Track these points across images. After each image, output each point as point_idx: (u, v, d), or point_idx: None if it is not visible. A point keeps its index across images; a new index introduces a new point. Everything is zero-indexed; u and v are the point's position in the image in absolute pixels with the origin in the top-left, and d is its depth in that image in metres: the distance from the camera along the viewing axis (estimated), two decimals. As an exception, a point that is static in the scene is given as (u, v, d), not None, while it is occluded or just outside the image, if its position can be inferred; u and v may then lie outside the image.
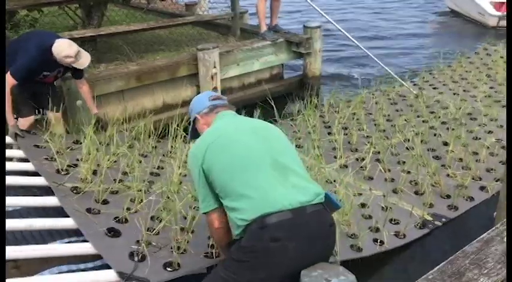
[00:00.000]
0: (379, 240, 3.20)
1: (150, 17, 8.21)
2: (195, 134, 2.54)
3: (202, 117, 2.44)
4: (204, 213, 2.30)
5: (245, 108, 5.34)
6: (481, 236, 2.33)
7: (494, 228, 2.39)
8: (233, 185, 2.11)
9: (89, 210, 3.06)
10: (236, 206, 2.10)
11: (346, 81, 7.92)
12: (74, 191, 3.28)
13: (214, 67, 5.70)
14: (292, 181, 2.10)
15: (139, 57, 6.01)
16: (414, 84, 6.65)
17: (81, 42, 5.24)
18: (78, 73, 4.31)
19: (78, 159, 3.81)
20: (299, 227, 2.03)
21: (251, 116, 4.99)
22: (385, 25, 12.02)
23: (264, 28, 6.66)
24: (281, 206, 2.00)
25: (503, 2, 10.57)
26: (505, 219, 2.49)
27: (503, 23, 10.24)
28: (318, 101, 5.70)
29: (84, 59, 4.06)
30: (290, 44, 6.71)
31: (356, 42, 6.51)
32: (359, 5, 14.59)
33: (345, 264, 2.54)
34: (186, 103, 5.67)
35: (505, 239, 2.29)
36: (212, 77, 5.71)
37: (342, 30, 6.28)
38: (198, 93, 5.76)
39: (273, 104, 4.92)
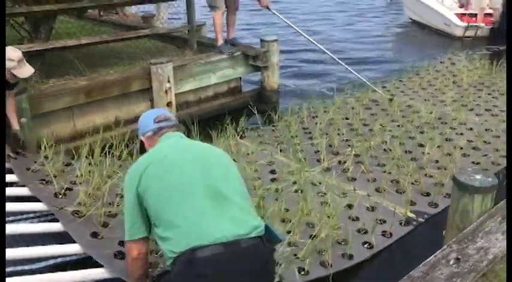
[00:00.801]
0: (368, 244, 3.41)
1: (106, 29, 8.03)
2: (143, 153, 2.42)
3: (146, 139, 2.36)
4: (128, 240, 2.19)
5: (201, 122, 5.30)
6: (428, 259, 2.27)
7: (440, 250, 2.34)
8: (166, 213, 1.99)
9: (94, 234, 3.07)
10: (167, 235, 1.97)
11: (310, 93, 7.86)
12: (76, 215, 3.26)
13: (168, 81, 5.55)
14: (229, 212, 1.98)
15: (92, 71, 5.84)
16: (387, 91, 6.92)
17: (29, 56, 5.01)
18: (12, 84, 3.96)
19: (72, 182, 3.80)
20: (230, 262, 1.89)
21: (209, 130, 5.16)
22: (349, 37, 12.07)
23: (220, 41, 6.55)
24: (213, 238, 1.88)
25: (466, 14, 11.16)
26: (453, 240, 2.44)
27: (469, 33, 10.78)
28: (277, 113, 5.79)
29: (26, 70, 3.81)
30: (247, 58, 6.63)
31: (324, 49, 6.67)
32: (321, 17, 14.73)
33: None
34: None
35: (451, 262, 2.23)
36: (166, 92, 5.56)
37: (310, 38, 6.37)
38: (152, 107, 5.63)
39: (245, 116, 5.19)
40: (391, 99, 6.13)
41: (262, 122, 5.73)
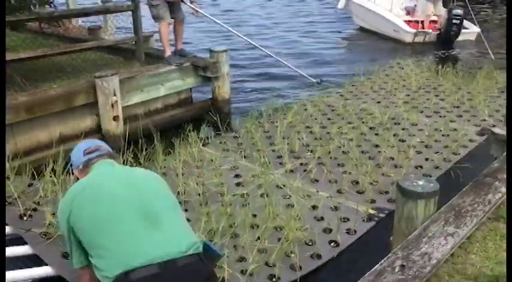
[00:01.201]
0: (334, 242, 3.59)
1: (48, 42, 7.76)
2: None
3: (79, 173, 2.34)
4: (76, 268, 2.21)
5: (151, 135, 5.21)
6: (374, 268, 2.28)
7: (386, 257, 2.36)
8: (98, 240, 1.97)
9: (65, 255, 3.00)
10: (100, 264, 1.95)
11: (264, 100, 7.72)
12: (44, 237, 3.21)
13: (115, 95, 5.36)
14: (163, 232, 1.97)
15: (34, 86, 5.55)
16: (340, 95, 7.16)
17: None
18: None
19: (35, 202, 3.75)
20: None
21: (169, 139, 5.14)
22: (300, 45, 12.17)
23: (168, 53, 6.47)
24: (147, 259, 1.86)
25: (412, 21, 11.63)
26: (398, 246, 2.47)
27: (418, 39, 11.19)
28: (229, 123, 5.80)
29: None
30: (197, 68, 6.50)
31: (268, 51, 6.65)
32: (271, 27, 14.77)
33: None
34: (87, 134, 5.40)
35: (396, 270, 2.25)
36: (112, 106, 5.36)
37: (254, 43, 6.44)
38: (99, 122, 5.49)
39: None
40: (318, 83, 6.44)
41: (214, 133, 5.76)
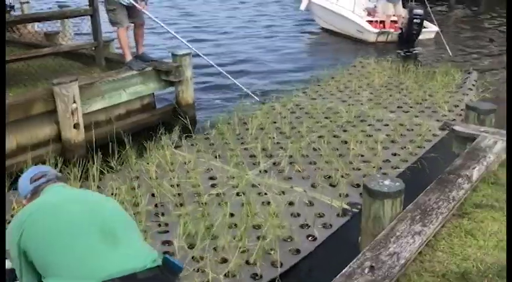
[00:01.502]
0: (311, 236, 3.67)
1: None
2: None
3: (27, 202, 2.20)
4: None
5: (114, 142, 5.08)
6: (344, 270, 2.26)
7: (355, 259, 2.35)
8: (54, 257, 1.86)
9: None
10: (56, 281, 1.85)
11: (230, 102, 7.59)
12: None
13: (74, 102, 5.16)
14: (122, 248, 1.90)
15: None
16: (307, 95, 7.25)
17: None
18: None
19: None
20: None
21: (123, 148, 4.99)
22: (263, 47, 11.96)
23: (129, 57, 6.21)
24: (107, 274, 1.78)
25: (376, 21, 11.85)
26: (366, 247, 2.47)
27: (381, 38, 11.43)
28: (193, 128, 5.73)
29: None
30: (159, 73, 6.33)
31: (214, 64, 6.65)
32: (232, 29, 14.26)
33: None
34: (46, 143, 5.21)
35: (366, 271, 2.24)
36: (72, 113, 5.16)
37: (201, 53, 6.36)
38: (59, 131, 5.31)
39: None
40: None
41: (184, 136, 5.64)
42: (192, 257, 3.38)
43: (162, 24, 6.54)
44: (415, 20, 10.86)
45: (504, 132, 3.83)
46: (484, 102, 4.18)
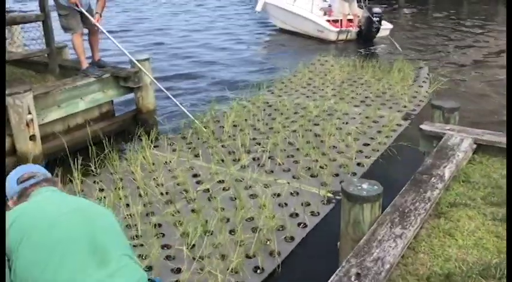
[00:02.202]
0: (302, 224, 3.80)
1: None
2: None
3: (14, 204, 2.01)
4: None
5: (74, 153, 4.85)
6: (330, 279, 2.22)
7: (340, 267, 2.30)
8: (39, 274, 1.70)
9: None
10: None
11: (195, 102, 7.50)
12: None
13: (29, 113, 4.76)
14: (111, 266, 1.77)
15: None
16: (272, 93, 7.35)
17: None
18: None
19: None
20: None
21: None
22: (223, 48, 11.80)
23: (85, 64, 5.84)
24: None
25: (331, 20, 12.16)
26: (350, 254, 2.43)
27: (341, 36, 11.77)
28: (155, 134, 5.56)
29: None
30: (118, 79, 5.92)
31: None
32: (187, 31, 14.01)
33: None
34: (-1, 157, 4.89)
35: (352, 279, 2.21)
36: (28, 124, 4.76)
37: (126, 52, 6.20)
38: (13, 143, 5.01)
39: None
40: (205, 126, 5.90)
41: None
42: (193, 258, 3.36)
43: (113, 40, 6.22)
44: (374, 19, 11.17)
45: (469, 129, 3.91)
46: (448, 100, 4.26)
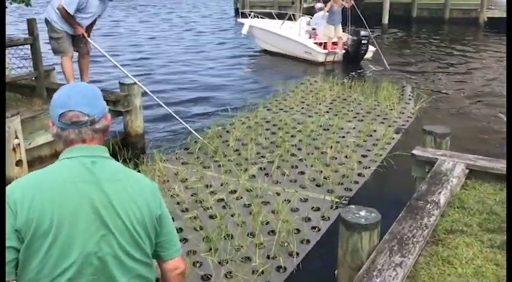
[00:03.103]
0: (316, 228, 3.99)
1: None
2: None
3: (52, 126, 1.57)
4: None
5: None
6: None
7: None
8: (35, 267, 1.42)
9: None
10: None
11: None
12: None
13: (16, 137, 4.49)
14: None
15: None
16: (268, 110, 7.51)
17: None
18: None
19: None
20: None
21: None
22: (216, 73, 11.64)
23: None
24: None
25: (320, 43, 12.41)
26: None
27: (329, 58, 12.06)
28: (145, 158, 5.54)
29: None
30: (107, 103, 6.06)
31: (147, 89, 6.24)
32: (178, 57, 13.87)
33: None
34: (-17, 182, 4.75)
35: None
36: (14, 149, 4.46)
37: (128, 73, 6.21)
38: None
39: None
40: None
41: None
42: (219, 262, 3.50)
43: (111, 59, 6.25)
44: (362, 41, 11.38)
45: (461, 154, 3.94)
46: (440, 126, 4.31)
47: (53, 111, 1.53)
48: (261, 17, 14.06)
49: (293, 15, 13.71)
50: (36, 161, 5.10)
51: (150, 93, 6.06)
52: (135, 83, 5.78)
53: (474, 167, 3.56)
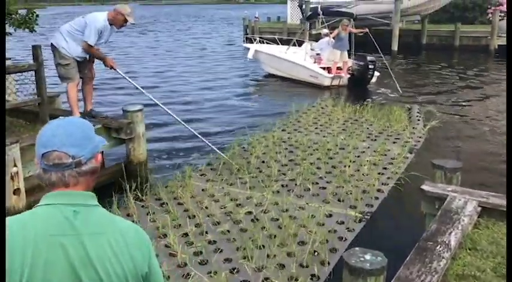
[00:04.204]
0: (342, 238, 4.22)
1: None
2: None
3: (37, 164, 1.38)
4: None
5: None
6: None
7: None
8: None
9: None
10: None
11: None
12: None
13: (15, 165, 4.42)
14: None
15: None
16: (283, 130, 7.82)
17: None
18: None
19: None
20: None
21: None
22: (223, 97, 12.21)
23: (77, 114, 5.63)
24: None
25: (324, 67, 12.81)
26: None
27: (335, 82, 12.46)
28: (148, 187, 5.44)
29: None
30: (109, 130, 5.67)
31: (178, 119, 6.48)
32: (185, 82, 14.27)
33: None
34: (-19, 212, 4.65)
35: None
36: (12, 177, 4.39)
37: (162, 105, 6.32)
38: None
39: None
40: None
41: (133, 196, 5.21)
42: (257, 268, 3.70)
43: (130, 81, 6.31)
44: (369, 66, 11.82)
45: (472, 191, 3.76)
46: (450, 160, 4.16)
47: (37, 150, 1.38)
48: (267, 42, 14.80)
49: (297, 41, 14.27)
50: (35, 189, 4.97)
51: (175, 116, 6.52)
52: (140, 110, 5.75)
53: (487, 204, 3.37)
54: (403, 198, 5.34)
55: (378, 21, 18.89)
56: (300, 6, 15.06)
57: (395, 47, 18.75)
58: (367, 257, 2.51)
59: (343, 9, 15.81)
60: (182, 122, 6.42)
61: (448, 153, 6.98)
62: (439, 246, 2.88)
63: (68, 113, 5.96)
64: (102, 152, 6.02)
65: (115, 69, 5.94)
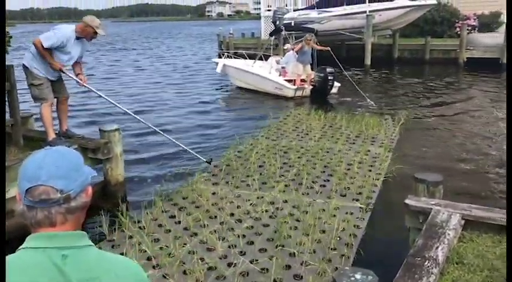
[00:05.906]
0: (357, 226, 4.77)
1: None
2: None
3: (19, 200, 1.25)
4: None
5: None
6: None
7: None
8: None
9: None
10: None
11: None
12: None
13: None
14: None
15: None
16: (266, 138, 8.36)
17: None
18: None
19: None
20: None
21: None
22: (195, 110, 12.70)
23: (52, 135, 5.60)
24: None
25: (289, 80, 13.75)
26: None
27: (298, 93, 13.42)
28: (126, 208, 5.31)
29: None
30: (86, 151, 5.62)
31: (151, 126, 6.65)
32: (158, 101, 14.44)
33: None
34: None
35: None
36: None
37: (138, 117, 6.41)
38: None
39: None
40: (209, 162, 6.72)
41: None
42: (293, 254, 4.12)
43: (108, 99, 6.20)
44: (329, 77, 12.78)
45: (455, 204, 3.79)
46: (432, 174, 4.19)
47: (20, 184, 1.24)
48: (235, 57, 16.13)
49: (263, 55, 15.41)
50: (9, 214, 4.81)
51: (162, 133, 6.86)
52: (117, 130, 5.64)
53: (470, 217, 3.40)
54: (394, 191, 6.06)
55: (351, 36, 19.50)
56: (274, 22, 15.59)
57: (368, 61, 19.24)
58: (358, 276, 2.48)
59: (308, 25, 17.07)
60: (171, 138, 6.78)
61: (418, 148, 8.36)
62: (427, 261, 2.88)
63: (42, 133, 5.82)
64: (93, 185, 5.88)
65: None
